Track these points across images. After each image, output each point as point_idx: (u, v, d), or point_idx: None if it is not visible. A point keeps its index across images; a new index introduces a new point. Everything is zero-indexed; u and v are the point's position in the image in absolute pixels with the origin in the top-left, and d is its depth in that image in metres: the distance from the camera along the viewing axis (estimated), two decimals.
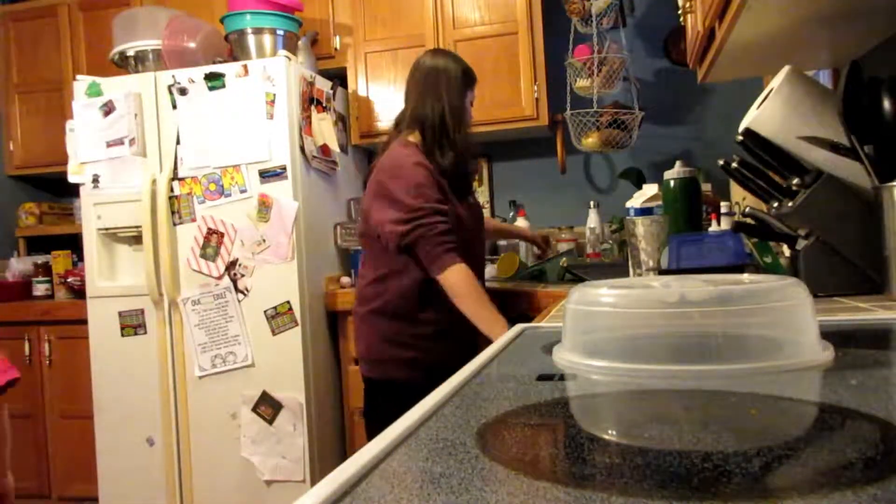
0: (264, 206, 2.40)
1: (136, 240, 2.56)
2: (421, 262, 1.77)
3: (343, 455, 2.56)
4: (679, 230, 1.58)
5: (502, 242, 2.87)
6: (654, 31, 3.01)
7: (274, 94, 2.40)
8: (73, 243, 3.20)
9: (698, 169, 2.35)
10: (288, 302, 2.38)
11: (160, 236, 2.46)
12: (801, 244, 1.25)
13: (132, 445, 2.52)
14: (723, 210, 2.15)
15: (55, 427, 2.91)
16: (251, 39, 2.62)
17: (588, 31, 2.69)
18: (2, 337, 2.97)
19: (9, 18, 3.37)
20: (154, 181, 2.47)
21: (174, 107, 2.49)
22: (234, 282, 2.42)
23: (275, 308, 2.39)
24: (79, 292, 2.94)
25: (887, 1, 1.22)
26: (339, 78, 2.85)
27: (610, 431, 0.51)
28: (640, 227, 1.49)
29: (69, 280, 3.07)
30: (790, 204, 1.25)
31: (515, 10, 2.76)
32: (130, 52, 2.70)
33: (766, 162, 1.33)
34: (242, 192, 2.42)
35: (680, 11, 1.88)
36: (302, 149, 2.45)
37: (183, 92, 2.48)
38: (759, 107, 1.36)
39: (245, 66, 2.43)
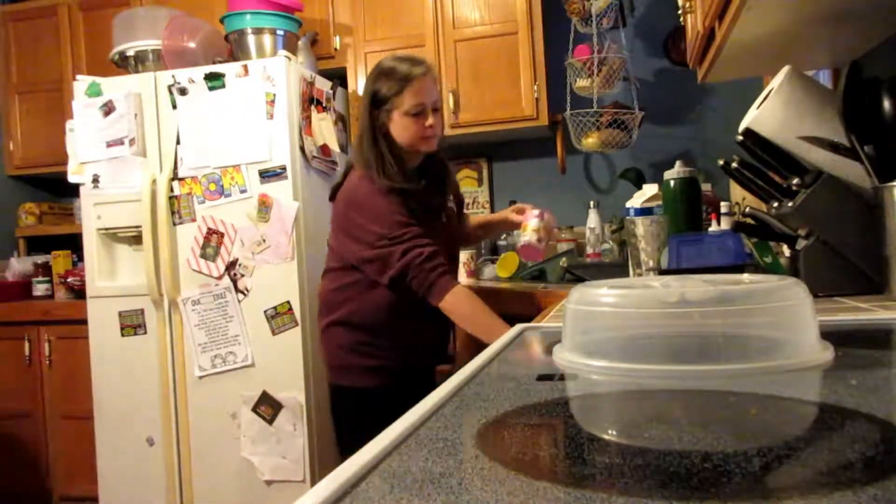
0: (264, 206, 2.40)
1: (136, 240, 2.56)
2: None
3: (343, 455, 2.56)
4: (679, 230, 1.58)
5: (502, 242, 2.88)
6: (654, 31, 3.01)
7: (274, 94, 2.40)
8: (73, 243, 3.20)
9: (698, 169, 2.35)
10: (288, 302, 2.38)
11: (160, 236, 2.46)
12: (801, 244, 1.25)
13: (132, 445, 2.52)
14: (723, 210, 2.15)
15: (55, 427, 2.91)
16: (251, 39, 2.62)
17: (588, 31, 2.69)
18: (2, 337, 2.97)
19: (9, 18, 3.38)
20: (154, 181, 2.47)
21: (174, 107, 2.49)
22: (234, 282, 2.42)
23: (275, 308, 2.39)
24: (79, 292, 2.94)
25: (887, 1, 1.22)
26: (339, 78, 2.85)
27: (610, 431, 0.51)
28: (640, 227, 1.49)
29: (69, 280, 3.07)
30: (790, 204, 1.25)
31: (515, 10, 2.76)
32: (130, 52, 2.70)
33: (766, 162, 1.33)
34: (242, 192, 2.42)
35: (680, 11, 1.88)
36: (302, 149, 2.45)
37: (183, 92, 2.48)
38: (759, 107, 1.36)
39: (245, 66, 2.43)
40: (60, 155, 2.74)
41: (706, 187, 2.35)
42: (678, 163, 1.70)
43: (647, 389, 0.59)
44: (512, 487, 0.37)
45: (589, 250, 2.77)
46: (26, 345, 2.93)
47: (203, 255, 2.45)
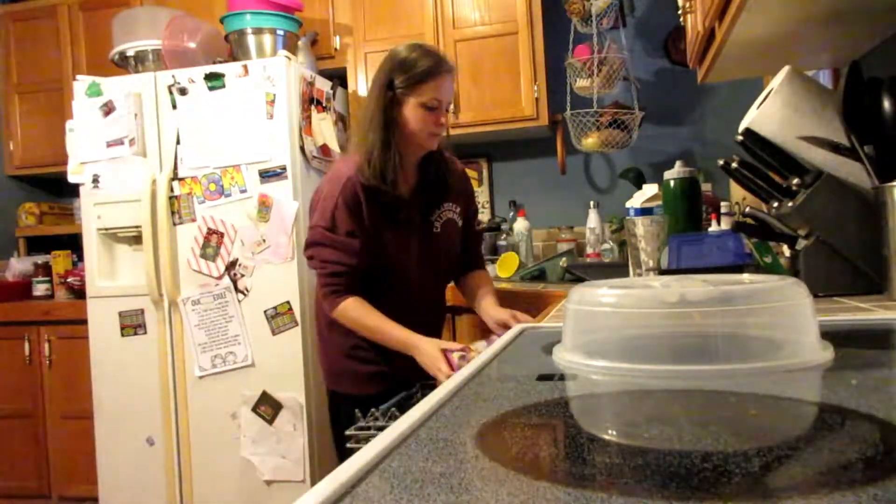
0: (264, 206, 2.40)
1: (136, 240, 2.56)
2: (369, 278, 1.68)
3: (343, 455, 2.56)
4: (679, 230, 1.58)
5: (502, 242, 2.87)
6: (654, 31, 3.01)
7: (274, 94, 2.40)
8: (73, 243, 3.20)
9: (698, 169, 2.35)
10: (288, 302, 2.38)
11: (160, 236, 2.46)
12: (801, 244, 1.25)
13: (132, 445, 2.52)
14: (723, 210, 2.15)
15: (55, 427, 2.91)
16: (251, 39, 2.62)
17: (588, 31, 2.69)
18: (2, 337, 2.97)
19: (9, 18, 3.38)
20: (154, 181, 2.47)
21: (174, 107, 2.49)
22: (234, 282, 2.42)
23: (275, 308, 2.39)
24: (79, 292, 2.94)
25: (887, 1, 1.22)
26: (339, 78, 2.85)
27: (610, 431, 0.51)
28: (640, 227, 1.49)
29: (69, 280, 3.07)
30: (790, 204, 1.25)
31: (515, 10, 2.76)
32: (130, 52, 2.70)
33: (766, 162, 1.33)
34: (242, 192, 2.42)
35: (680, 11, 1.88)
36: (302, 149, 2.45)
37: (183, 92, 2.48)
38: (759, 107, 1.36)
39: (245, 66, 2.43)
40: (60, 155, 2.74)
41: (706, 187, 2.35)
42: (678, 163, 1.71)
43: (647, 389, 0.59)
44: (512, 487, 0.37)
45: (589, 250, 2.77)
46: (26, 345, 2.93)
47: (203, 255, 2.45)
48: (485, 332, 1.83)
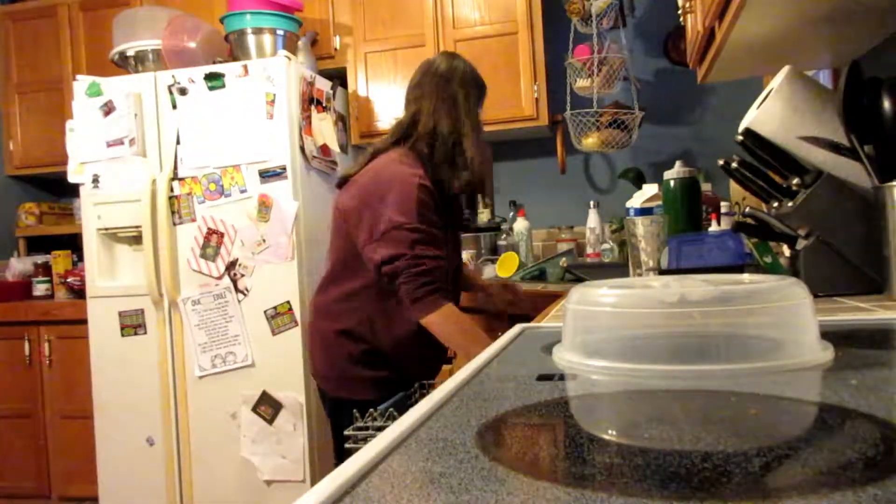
0: (264, 206, 2.40)
1: (136, 240, 2.56)
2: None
3: (343, 455, 2.56)
4: (679, 230, 1.58)
5: (502, 242, 2.87)
6: (654, 31, 3.01)
7: (274, 94, 2.40)
8: (73, 243, 3.20)
9: (698, 169, 2.35)
10: (288, 302, 2.38)
11: (160, 236, 2.46)
12: (801, 244, 1.25)
13: (132, 445, 2.52)
14: (723, 210, 2.15)
15: (55, 427, 2.91)
16: (251, 39, 2.62)
17: (588, 31, 2.69)
18: (2, 337, 2.97)
19: (9, 18, 3.38)
20: (154, 181, 2.47)
21: (174, 107, 2.49)
22: (234, 282, 2.42)
23: (275, 308, 2.39)
24: (79, 292, 2.94)
25: (887, 1, 1.22)
26: (339, 78, 2.85)
27: (610, 431, 0.51)
28: (640, 227, 1.49)
29: (69, 280, 3.07)
30: (790, 204, 1.25)
31: (515, 10, 2.76)
32: (130, 52, 2.70)
33: (766, 162, 1.33)
34: (242, 192, 2.42)
35: (680, 11, 1.88)
36: (302, 149, 2.45)
37: (183, 92, 2.48)
38: (759, 107, 1.36)
39: (245, 66, 2.43)
40: (60, 155, 2.74)
41: (706, 187, 2.35)
42: (678, 163, 1.71)
43: (647, 389, 0.59)
44: (512, 487, 0.37)
45: (589, 250, 2.77)
46: (26, 345, 2.93)
47: (203, 255, 2.45)
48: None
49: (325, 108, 2.60)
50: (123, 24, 2.75)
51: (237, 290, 2.42)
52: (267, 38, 2.63)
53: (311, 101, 2.53)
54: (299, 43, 2.75)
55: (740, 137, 1.33)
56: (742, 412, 0.51)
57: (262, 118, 2.40)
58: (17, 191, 3.50)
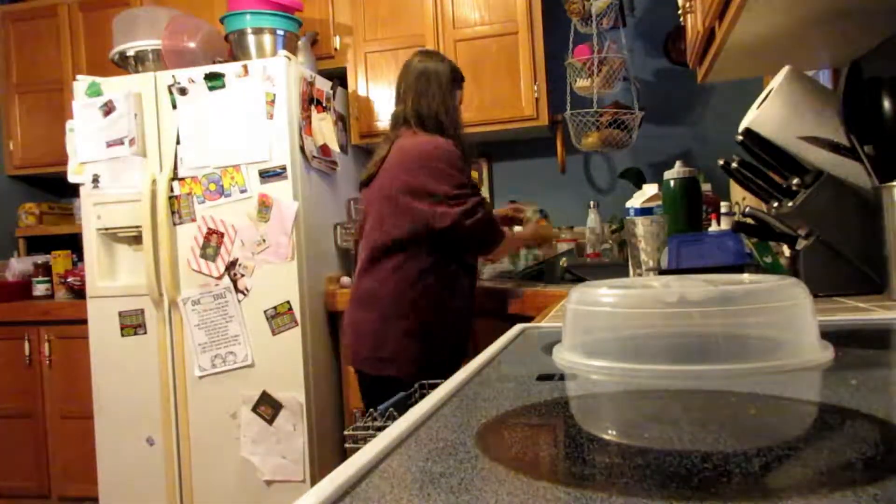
0: (264, 206, 2.40)
1: (136, 240, 2.56)
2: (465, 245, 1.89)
3: (343, 455, 2.56)
4: (679, 230, 1.58)
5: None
6: (654, 31, 3.01)
7: (274, 94, 2.40)
8: (73, 243, 3.20)
9: (698, 169, 2.35)
10: (288, 302, 2.38)
11: (160, 236, 2.46)
12: (801, 244, 1.25)
13: (132, 445, 2.52)
14: (723, 210, 2.15)
15: (55, 427, 2.91)
16: (251, 39, 2.62)
17: (588, 31, 2.69)
18: (2, 337, 2.97)
19: (9, 18, 3.37)
20: (154, 181, 2.47)
21: (174, 107, 2.49)
22: (234, 282, 2.42)
23: (275, 308, 2.39)
24: (79, 292, 2.94)
25: (887, 1, 1.22)
26: (339, 78, 2.85)
27: (610, 431, 0.51)
28: (640, 227, 1.49)
29: (69, 280, 3.07)
30: (790, 204, 1.25)
31: (515, 10, 2.76)
32: (130, 52, 2.70)
33: (766, 162, 1.33)
34: (242, 192, 2.42)
35: (680, 11, 1.88)
36: (302, 149, 2.45)
37: (183, 92, 2.48)
38: (759, 107, 1.36)
39: (245, 66, 2.43)
40: (60, 155, 2.74)
41: (706, 187, 2.35)
42: (678, 163, 1.70)
43: (647, 389, 0.59)
44: (512, 487, 0.37)
45: (589, 250, 2.77)
46: (26, 345, 2.93)
47: (203, 255, 2.45)
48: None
49: (325, 108, 2.60)
50: (123, 24, 2.75)
51: (237, 290, 2.42)
52: (267, 38, 2.63)
53: (311, 101, 2.53)
54: (299, 43, 2.75)
55: (740, 137, 1.33)
56: (742, 412, 0.51)
57: (262, 118, 2.40)
58: (17, 191, 3.50)
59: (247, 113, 2.41)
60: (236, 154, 2.42)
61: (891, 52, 1.45)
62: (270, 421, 2.38)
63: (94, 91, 2.56)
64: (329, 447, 2.51)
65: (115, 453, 2.54)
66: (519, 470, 0.40)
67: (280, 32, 2.64)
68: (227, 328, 2.42)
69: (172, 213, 2.47)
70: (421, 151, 1.86)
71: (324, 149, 2.57)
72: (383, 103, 2.88)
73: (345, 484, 0.38)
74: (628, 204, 2.21)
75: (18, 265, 3.31)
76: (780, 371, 0.59)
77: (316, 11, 2.94)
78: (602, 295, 0.68)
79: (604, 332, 0.68)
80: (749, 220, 1.34)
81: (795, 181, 1.26)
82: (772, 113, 1.31)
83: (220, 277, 2.43)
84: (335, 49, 2.94)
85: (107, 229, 2.59)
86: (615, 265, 2.45)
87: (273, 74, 2.40)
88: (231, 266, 2.42)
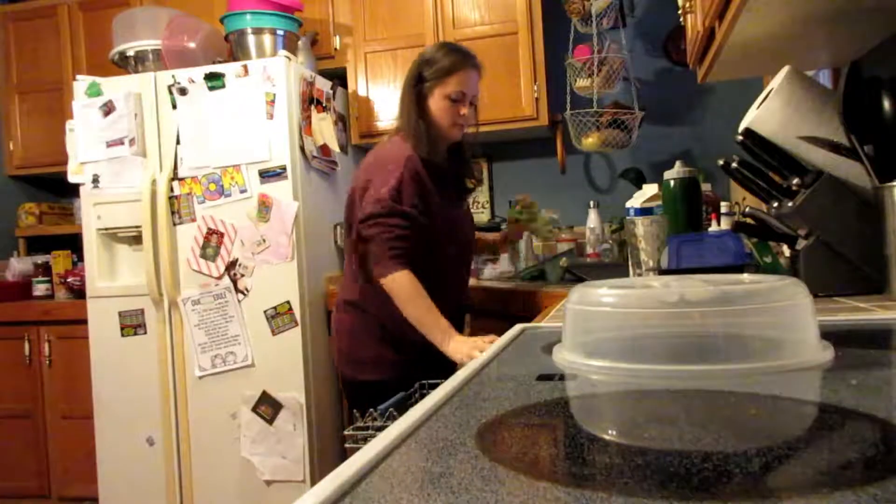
0: (264, 206, 2.40)
1: (136, 240, 2.56)
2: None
3: (343, 455, 2.56)
4: (679, 230, 1.58)
5: None
6: (654, 31, 3.01)
7: (274, 94, 2.40)
8: (73, 243, 3.20)
9: (698, 169, 2.35)
10: (288, 302, 2.38)
11: (160, 236, 2.46)
12: (801, 244, 1.25)
13: (132, 445, 2.52)
14: (723, 210, 2.15)
15: (55, 427, 2.91)
16: (251, 39, 2.62)
17: (588, 31, 2.69)
18: (2, 337, 2.97)
19: (9, 18, 3.38)
20: (154, 181, 2.47)
21: (174, 107, 2.49)
22: (234, 282, 2.42)
23: (275, 308, 2.39)
24: (79, 292, 2.94)
25: (887, 1, 1.22)
26: (339, 78, 2.85)
27: (610, 431, 0.51)
28: (640, 227, 1.49)
29: (69, 280, 3.07)
30: (790, 204, 1.25)
31: (515, 10, 2.76)
32: (130, 52, 2.70)
33: (766, 162, 1.33)
34: (242, 192, 2.42)
35: (680, 11, 1.88)
36: (302, 149, 2.45)
37: (183, 92, 2.48)
38: (759, 107, 1.36)
39: (245, 66, 2.43)
40: (60, 155, 2.74)
41: (706, 187, 2.35)
42: (678, 163, 1.70)
43: (647, 389, 0.59)
44: (512, 487, 0.37)
45: (589, 250, 2.77)
46: (26, 345, 2.93)
47: (203, 255, 2.45)
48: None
49: (325, 108, 2.60)
50: (123, 24, 2.75)
51: (237, 290, 2.42)
52: (267, 38, 2.63)
53: (311, 101, 2.53)
54: (299, 43, 2.75)
55: (740, 137, 1.33)
56: (742, 412, 0.51)
57: (262, 118, 2.40)
58: (17, 191, 3.50)
59: (247, 113, 2.41)
60: (236, 154, 2.42)
61: (891, 52, 1.45)
62: (270, 421, 2.38)
63: (94, 91, 2.56)
64: (329, 447, 2.50)
65: (115, 453, 2.54)
66: (519, 470, 0.40)
67: (280, 32, 2.64)
68: (227, 328, 2.42)
69: (172, 213, 2.47)
70: (369, 157, 1.83)
71: (324, 149, 2.57)
72: (383, 103, 2.88)
73: (345, 484, 0.38)
74: (628, 204, 2.21)
75: (18, 265, 3.31)
76: (780, 371, 0.59)
77: (316, 11, 2.94)
78: (602, 295, 0.68)
79: (604, 332, 0.68)
80: (749, 220, 1.34)
81: (795, 181, 1.26)
82: (772, 113, 1.31)
83: (220, 277, 2.43)
84: (335, 49, 2.94)
85: (107, 229, 2.59)
86: (615, 265, 2.45)
87: (273, 74, 2.40)
88: (231, 266, 2.42)
